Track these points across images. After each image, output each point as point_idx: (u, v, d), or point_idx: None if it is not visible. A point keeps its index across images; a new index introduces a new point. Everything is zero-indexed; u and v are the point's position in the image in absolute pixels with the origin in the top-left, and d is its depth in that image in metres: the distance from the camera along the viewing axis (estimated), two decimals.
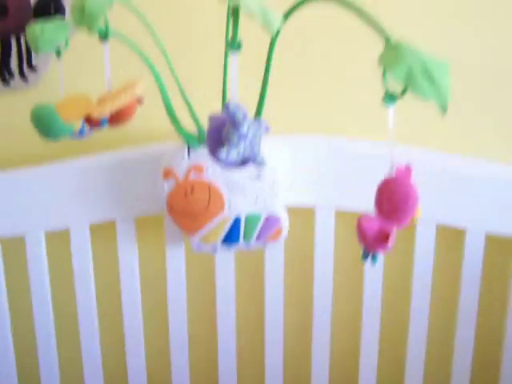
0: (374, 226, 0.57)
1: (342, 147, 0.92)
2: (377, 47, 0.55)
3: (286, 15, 0.64)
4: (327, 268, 0.98)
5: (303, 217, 0.98)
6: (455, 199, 0.93)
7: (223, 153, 0.58)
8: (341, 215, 0.95)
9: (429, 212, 0.93)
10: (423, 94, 0.51)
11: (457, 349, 1.00)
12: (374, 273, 0.97)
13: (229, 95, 0.75)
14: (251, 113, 0.75)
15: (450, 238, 0.98)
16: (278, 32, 0.63)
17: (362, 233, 0.57)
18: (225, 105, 0.58)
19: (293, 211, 0.93)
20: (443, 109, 0.51)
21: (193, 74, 0.91)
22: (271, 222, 0.90)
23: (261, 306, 1.01)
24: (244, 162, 0.61)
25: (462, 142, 0.97)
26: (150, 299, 1.05)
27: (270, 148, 0.86)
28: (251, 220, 0.89)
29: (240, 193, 0.87)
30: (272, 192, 0.88)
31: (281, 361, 1.03)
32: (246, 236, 0.90)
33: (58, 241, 1.00)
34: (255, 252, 0.98)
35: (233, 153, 0.58)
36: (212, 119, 0.63)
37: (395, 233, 0.57)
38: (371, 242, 0.57)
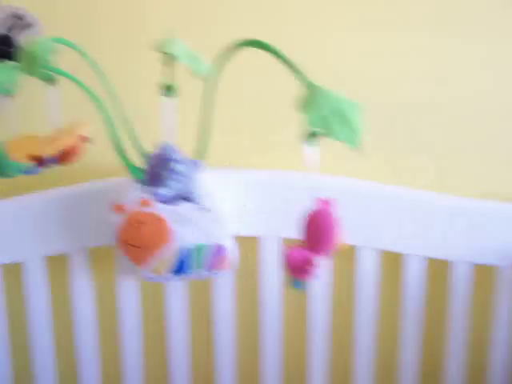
0: (299, 255, 0.61)
1: (280, 180, 0.97)
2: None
3: (220, 61, 0.68)
4: (274, 294, 1.02)
5: (254, 245, 1.02)
6: (394, 226, 0.99)
7: (157, 189, 0.63)
8: (288, 242, 0.99)
9: (370, 238, 0.99)
10: (336, 136, 0.56)
11: (402, 367, 1.04)
12: (319, 297, 1.02)
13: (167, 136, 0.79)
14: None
15: (393, 263, 1.03)
16: (215, 76, 0.68)
17: (286, 262, 0.62)
18: (159, 146, 0.62)
19: (245, 240, 0.98)
20: (355, 147, 0.56)
21: (141, 110, 0.95)
22: (219, 251, 0.93)
23: (212, 332, 1.05)
24: (179, 198, 0.65)
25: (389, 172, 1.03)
26: (104, 328, 1.08)
27: (216, 181, 0.91)
28: (199, 250, 0.93)
29: (187, 224, 0.91)
30: (218, 223, 0.92)
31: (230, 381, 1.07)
32: (195, 266, 0.94)
33: (14, 273, 1.02)
34: (206, 280, 1.02)
35: (166, 190, 0.62)
36: (151, 157, 0.67)
37: (320, 261, 0.62)
38: (296, 270, 0.61)
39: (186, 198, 0.65)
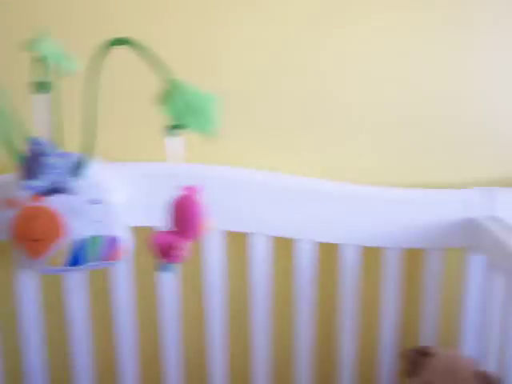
0: (165, 239, 0.65)
1: (172, 171, 1.00)
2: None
3: (96, 59, 0.71)
4: (172, 282, 1.06)
5: None
6: (284, 212, 1.04)
7: (29, 181, 0.66)
8: None
9: (261, 225, 1.04)
10: (192, 127, 0.60)
11: (297, 348, 1.10)
12: (215, 278, 1.06)
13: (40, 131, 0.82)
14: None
15: (284, 248, 1.09)
16: (94, 74, 0.71)
17: (154, 246, 0.66)
18: (30, 139, 0.65)
19: (140, 231, 1.02)
20: (210, 137, 0.61)
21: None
22: (113, 242, 0.97)
23: (113, 321, 1.08)
24: (57, 190, 0.68)
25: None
26: (3, 321, 1.10)
27: (108, 174, 0.94)
28: (93, 242, 0.96)
29: (80, 217, 0.93)
30: (111, 214, 0.95)
31: (134, 368, 1.10)
32: (90, 257, 0.97)
33: None
34: (105, 270, 1.05)
35: (38, 182, 0.65)
36: (28, 151, 0.70)
37: (187, 245, 0.66)
38: (163, 254, 0.65)
39: (64, 191, 0.68)
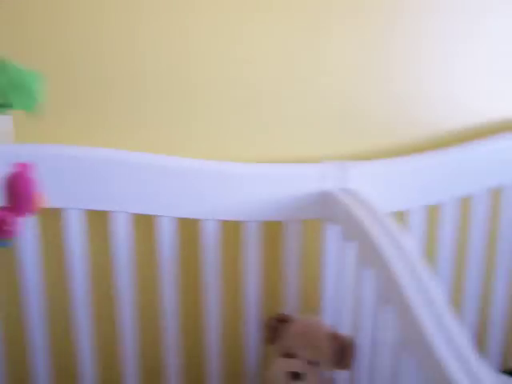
0: None
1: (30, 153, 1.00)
2: None
3: None
4: (33, 261, 1.06)
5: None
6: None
7: None
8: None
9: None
10: (14, 106, 0.61)
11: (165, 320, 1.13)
12: (76, 258, 1.07)
13: None
14: None
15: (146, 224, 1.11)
16: None
17: None
18: None
19: None
20: (33, 114, 0.62)
21: None
22: None
23: None
24: None
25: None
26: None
27: None
28: None
29: None
30: None
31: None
32: None
33: None
34: None
35: None
36: None
37: (19, 220, 0.67)
38: None
39: None
